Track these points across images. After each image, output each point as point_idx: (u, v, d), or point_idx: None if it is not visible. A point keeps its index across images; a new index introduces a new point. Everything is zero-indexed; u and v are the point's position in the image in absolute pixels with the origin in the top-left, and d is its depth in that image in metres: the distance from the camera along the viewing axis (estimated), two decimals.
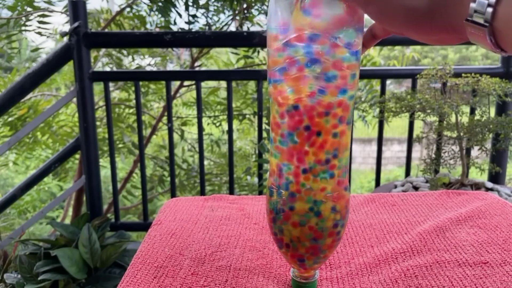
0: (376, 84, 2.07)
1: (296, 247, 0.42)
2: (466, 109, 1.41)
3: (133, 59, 2.46)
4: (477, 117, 1.25)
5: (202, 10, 2.01)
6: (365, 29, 0.42)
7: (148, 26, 2.23)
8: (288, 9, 0.37)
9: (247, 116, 2.45)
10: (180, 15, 1.97)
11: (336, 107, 0.39)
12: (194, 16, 1.98)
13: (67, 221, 2.92)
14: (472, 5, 0.29)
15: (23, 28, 2.00)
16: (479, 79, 1.20)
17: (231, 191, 1.75)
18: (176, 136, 2.56)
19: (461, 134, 1.23)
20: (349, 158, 0.43)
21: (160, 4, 1.89)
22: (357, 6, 0.36)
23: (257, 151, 1.77)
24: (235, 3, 1.88)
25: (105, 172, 3.00)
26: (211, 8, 2.03)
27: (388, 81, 2.23)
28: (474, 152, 1.36)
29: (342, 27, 0.37)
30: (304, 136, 0.39)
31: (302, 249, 0.42)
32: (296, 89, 0.38)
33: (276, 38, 0.38)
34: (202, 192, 1.77)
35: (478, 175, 1.39)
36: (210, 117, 2.53)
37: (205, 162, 2.79)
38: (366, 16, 0.38)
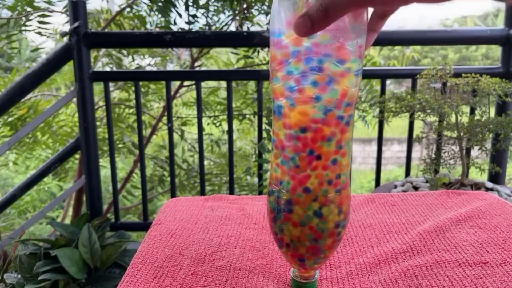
0: (376, 84, 2.07)
1: (297, 247, 0.42)
2: (466, 109, 1.41)
3: (133, 59, 2.46)
4: (477, 117, 1.25)
5: (202, 10, 2.01)
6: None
7: (148, 26, 2.23)
8: (292, 9, 0.36)
9: (247, 116, 2.45)
10: (180, 15, 1.97)
11: (338, 129, 0.39)
12: (194, 16, 1.98)
13: (67, 221, 2.92)
14: None
15: (23, 28, 2.00)
16: (479, 79, 1.19)
17: (231, 191, 1.75)
18: (176, 136, 2.57)
19: (461, 134, 1.23)
20: (350, 162, 0.43)
21: (160, 4, 1.89)
22: (362, 5, 0.35)
23: (257, 151, 1.77)
24: (235, 3, 1.88)
25: (105, 172, 3.01)
26: (211, 8, 2.03)
27: (388, 81, 2.23)
28: (474, 152, 1.36)
29: (347, 30, 0.37)
30: (307, 160, 0.39)
31: (302, 249, 0.42)
32: (304, 111, 0.38)
33: (280, 41, 0.38)
34: (202, 192, 1.77)
35: (478, 175, 1.39)
36: (210, 117, 2.53)
37: (205, 162, 2.79)
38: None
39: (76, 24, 1.52)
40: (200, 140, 1.70)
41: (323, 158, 0.39)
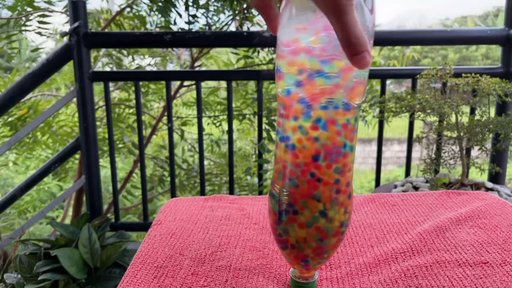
0: (376, 84, 2.07)
1: (302, 247, 0.41)
2: (466, 109, 1.41)
3: (133, 59, 2.46)
4: (477, 117, 1.25)
5: (202, 10, 2.01)
6: None
7: (148, 26, 2.23)
8: (305, 9, 0.35)
9: (247, 116, 2.45)
10: (180, 15, 1.97)
11: (341, 156, 0.39)
12: (194, 16, 1.98)
13: (67, 221, 2.92)
14: None
15: (23, 28, 1.99)
16: (479, 79, 1.19)
17: (231, 191, 1.75)
18: (176, 136, 2.56)
19: (461, 134, 1.23)
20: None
21: (160, 4, 1.89)
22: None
23: (257, 151, 1.77)
24: (235, 3, 1.88)
25: (105, 172, 3.01)
26: (211, 8, 2.03)
27: (388, 81, 2.22)
28: (474, 152, 1.36)
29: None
30: (306, 181, 0.39)
31: (308, 249, 0.41)
32: (309, 151, 0.38)
33: (286, 44, 0.37)
34: (202, 192, 1.77)
35: (478, 175, 1.39)
36: (210, 117, 2.53)
37: (205, 162, 2.79)
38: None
39: (76, 24, 1.52)
40: (200, 140, 1.70)
41: (324, 181, 0.39)
